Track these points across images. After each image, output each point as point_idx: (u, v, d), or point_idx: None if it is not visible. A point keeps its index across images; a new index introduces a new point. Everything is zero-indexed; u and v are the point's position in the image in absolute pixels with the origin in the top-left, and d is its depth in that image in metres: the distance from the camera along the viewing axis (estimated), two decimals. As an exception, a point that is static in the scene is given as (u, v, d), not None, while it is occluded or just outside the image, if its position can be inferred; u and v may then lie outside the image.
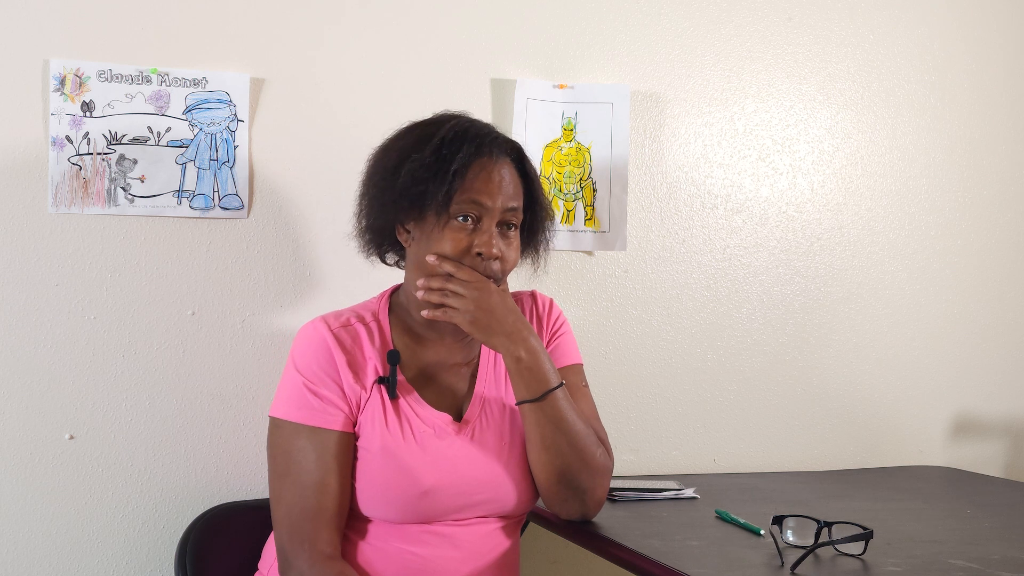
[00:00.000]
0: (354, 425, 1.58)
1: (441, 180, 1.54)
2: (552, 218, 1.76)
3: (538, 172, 1.73)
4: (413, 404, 1.59)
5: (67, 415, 1.87)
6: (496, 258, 1.57)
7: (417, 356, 1.65)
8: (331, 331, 1.60)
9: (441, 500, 1.55)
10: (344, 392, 1.57)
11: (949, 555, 1.53)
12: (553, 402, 1.56)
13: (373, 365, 1.60)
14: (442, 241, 1.56)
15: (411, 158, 1.57)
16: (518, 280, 1.94)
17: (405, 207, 1.58)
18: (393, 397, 1.58)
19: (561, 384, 1.58)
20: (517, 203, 1.60)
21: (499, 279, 1.60)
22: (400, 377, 1.61)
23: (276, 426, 1.59)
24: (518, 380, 1.57)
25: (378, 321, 1.65)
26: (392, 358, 1.59)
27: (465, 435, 1.60)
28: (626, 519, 1.73)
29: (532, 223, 1.67)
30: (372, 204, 1.64)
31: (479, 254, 1.56)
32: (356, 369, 1.59)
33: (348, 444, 1.57)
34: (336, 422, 1.56)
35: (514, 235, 1.62)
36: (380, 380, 1.58)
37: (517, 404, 1.58)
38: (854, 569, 1.44)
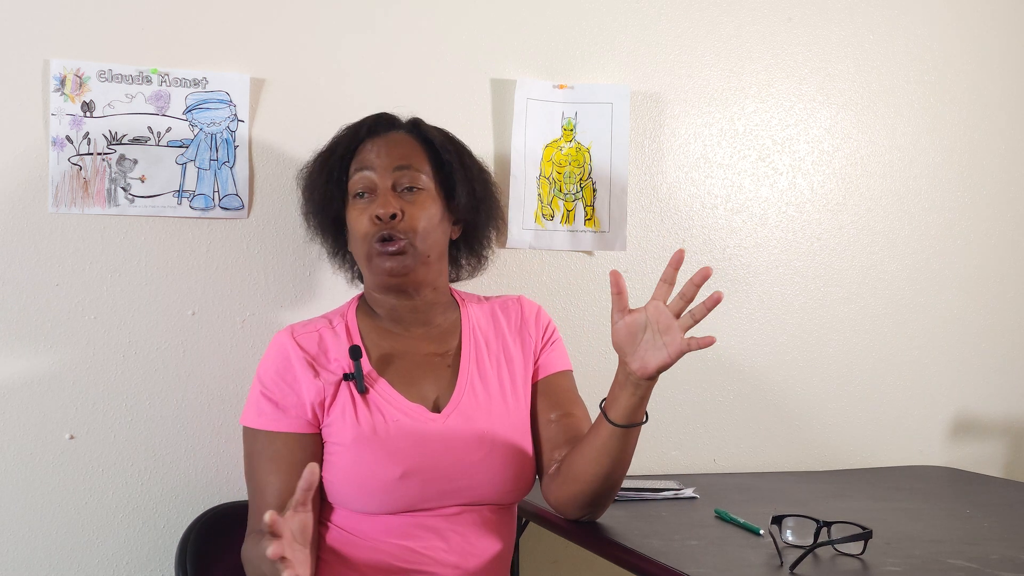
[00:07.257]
0: (319, 425, 1.61)
1: (333, 167, 1.68)
2: (485, 181, 1.76)
3: (462, 144, 1.76)
4: (384, 394, 1.61)
5: (67, 415, 1.88)
6: (393, 214, 1.60)
7: (386, 349, 1.67)
8: (293, 337, 1.64)
9: (419, 485, 1.56)
10: (302, 396, 1.60)
11: (948, 555, 1.53)
12: (637, 431, 1.56)
13: (340, 364, 1.62)
14: (352, 223, 1.66)
15: (309, 172, 1.75)
16: (495, 268, 1.96)
17: (330, 212, 1.70)
18: (361, 391, 1.60)
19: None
20: (409, 162, 1.65)
21: (412, 240, 1.61)
22: (370, 370, 1.63)
23: (244, 433, 1.65)
24: (629, 402, 1.51)
25: (345, 322, 1.68)
26: (354, 353, 1.62)
27: (440, 423, 1.61)
28: (626, 519, 1.74)
29: (453, 182, 1.68)
30: (316, 230, 1.76)
31: (378, 219, 1.61)
32: (319, 369, 1.61)
33: (302, 446, 1.59)
34: (288, 426, 1.60)
35: (419, 197, 1.64)
36: (347, 376, 1.61)
37: (612, 423, 1.53)
38: (853, 569, 1.44)
